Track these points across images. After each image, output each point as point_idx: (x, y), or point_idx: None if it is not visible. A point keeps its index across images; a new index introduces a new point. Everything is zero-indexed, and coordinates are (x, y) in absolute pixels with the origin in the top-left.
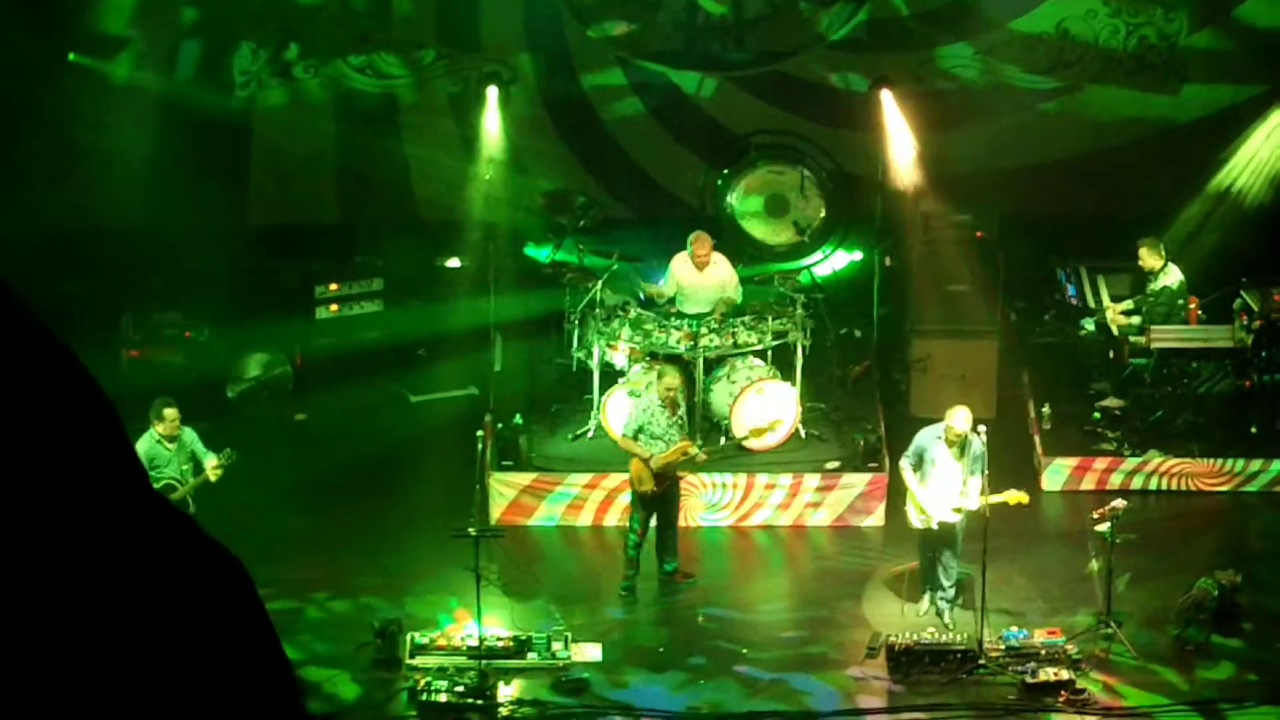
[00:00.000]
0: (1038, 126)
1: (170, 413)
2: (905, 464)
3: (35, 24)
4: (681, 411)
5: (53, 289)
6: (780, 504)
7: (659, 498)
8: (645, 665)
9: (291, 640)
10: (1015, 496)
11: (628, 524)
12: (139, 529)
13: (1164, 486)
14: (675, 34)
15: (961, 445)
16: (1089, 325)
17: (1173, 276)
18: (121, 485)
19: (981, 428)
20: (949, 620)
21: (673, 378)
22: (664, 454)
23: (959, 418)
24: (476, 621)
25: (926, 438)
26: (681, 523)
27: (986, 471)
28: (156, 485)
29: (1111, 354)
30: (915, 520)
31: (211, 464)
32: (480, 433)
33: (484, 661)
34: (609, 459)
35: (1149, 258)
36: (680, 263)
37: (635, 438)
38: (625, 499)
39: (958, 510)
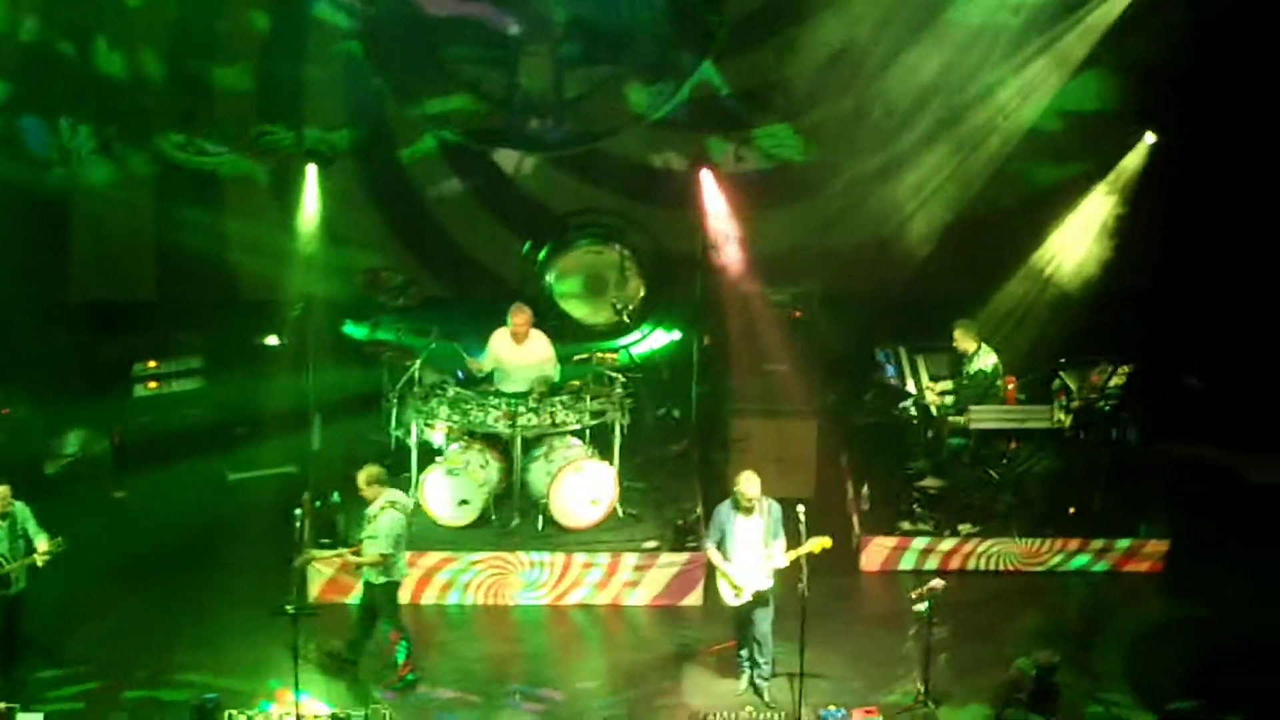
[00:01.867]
0: (859, 206)
1: (1, 490)
2: (709, 544)
3: None
4: (370, 514)
5: None
6: (598, 583)
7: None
8: None
9: (110, 718)
10: (819, 543)
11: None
12: None
13: (982, 566)
14: (494, 113)
15: (757, 511)
16: (909, 405)
17: (987, 359)
18: None
19: (801, 506)
20: (769, 699)
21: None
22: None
23: (746, 482)
24: (296, 698)
25: (723, 512)
26: (499, 601)
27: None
28: None
29: (930, 434)
30: (729, 597)
31: (41, 548)
32: (299, 511)
33: None
34: (427, 537)
35: (963, 340)
36: (499, 339)
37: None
38: (443, 577)
39: (766, 574)
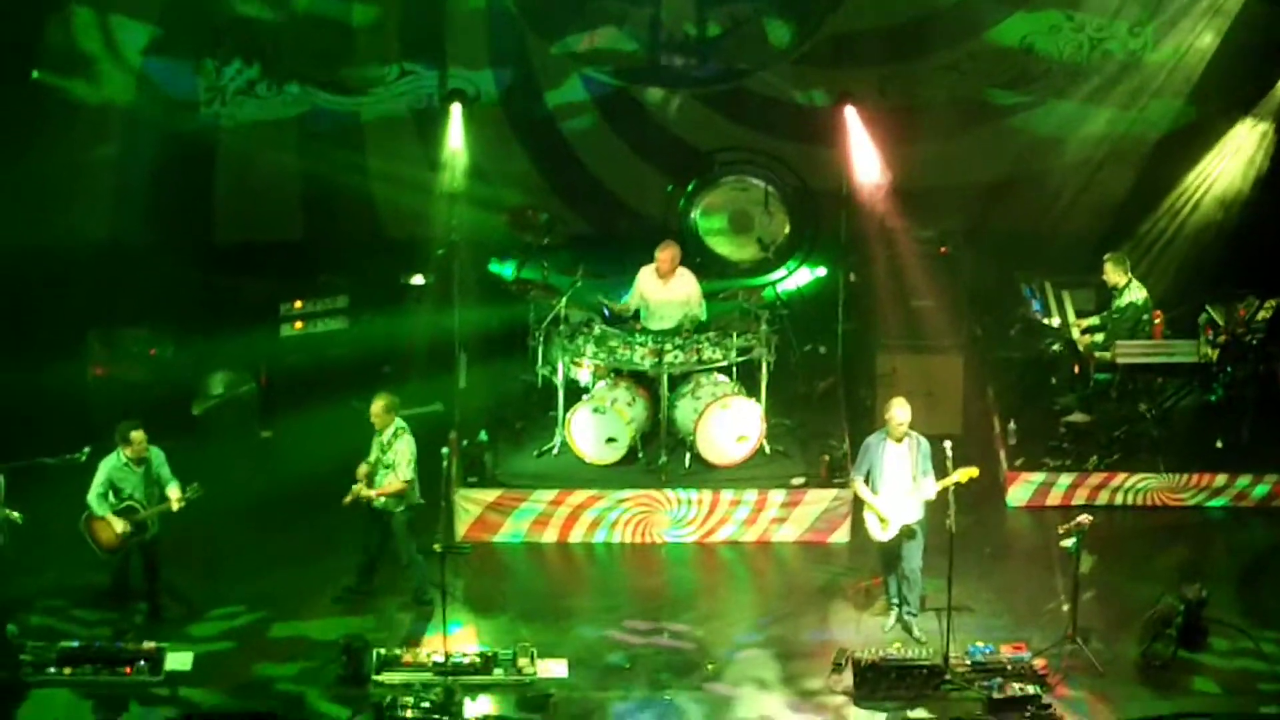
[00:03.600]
0: (1002, 141)
1: (137, 435)
2: (856, 478)
3: None
4: (384, 444)
5: (19, 306)
6: (745, 519)
7: (374, 527)
8: (610, 681)
9: (258, 657)
10: (966, 473)
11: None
12: None
13: (1129, 502)
14: (638, 51)
15: (906, 441)
16: (1054, 341)
17: (1137, 293)
18: None
19: (948, 442)
20: (917, 634)
21: (379, 402)
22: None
23: (897, 408)
24: (444, 636)
25: (872, 444)
26: (646, 539)
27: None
28: (119, 506)
29: (1076, 369)
30: (876, 531)
31: (175, 495)
32: (445, 449)
33: (450, 678)
34: (575, 475)
35: (1114, 273)
36: (646, 276)
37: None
38: (591, 515)
39: (915, 507)
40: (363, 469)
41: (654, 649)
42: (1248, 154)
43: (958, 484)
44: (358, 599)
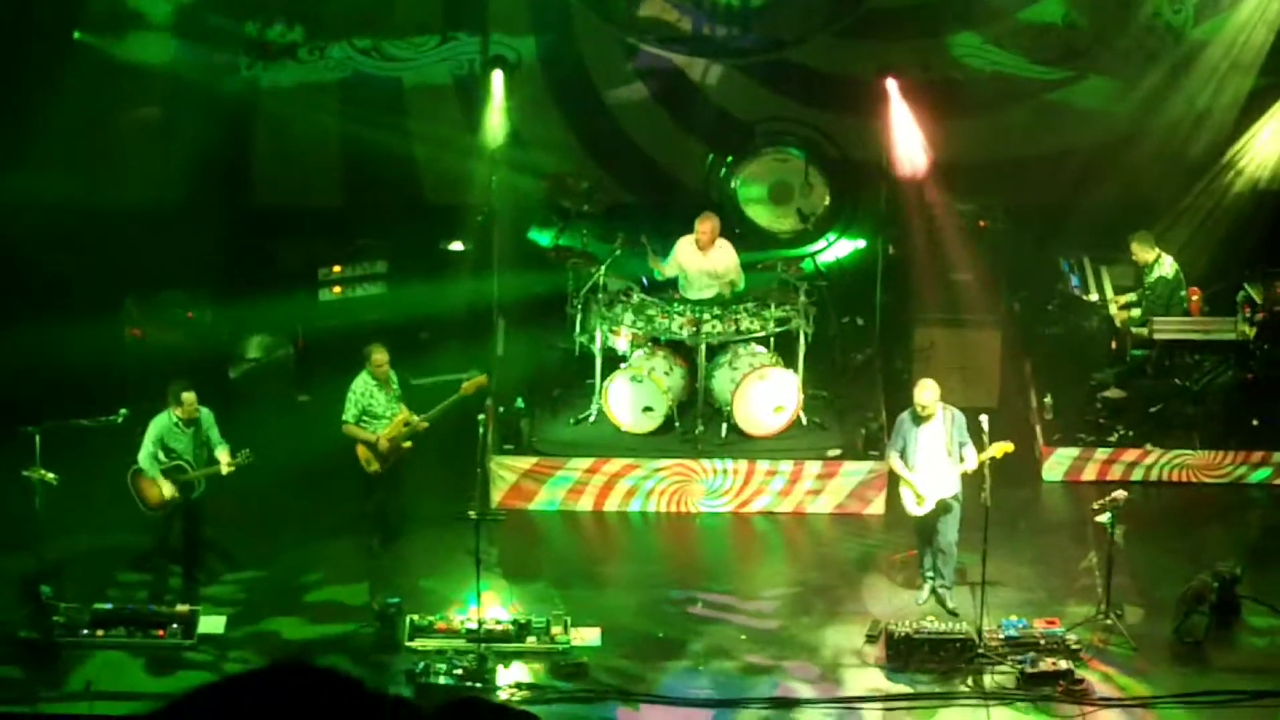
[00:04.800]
0: (1043, 116)
1: (188, 397)
2: (891, 453)
3: (40, 3)
4: (395, 384)
5: (56, 268)
6: (781, 490)
7: (388, 477)
8: (644, 650)
9: (291, 622)
10: (1000, 448)
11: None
12: None
13: (1164, 478)
14: (681, 19)
15: (938, 419)
16: (1092, 316)
17: (1167, 267)
18: None
19: (984, 416)
20: (950, 608)
21: (382, 353)
22: (387, 430)
23: (922, 392)
24: (477, 604)
25: (905, 422)
26: (682, 508)
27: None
28: (168, 465)
29: (1114, 345)
30: (911, 506)
31: (224, 459)
32: (482, 416)
33: (483, 645)
34: (611, 444)
35: (1140, 251)
36: (685, 246)
37: (358, 422)
38: (627, 484)
39: (953, 480)
40: (401, 417)
41: (688, 618)
42: None
43: (993, 459)
44: (385, 564)
